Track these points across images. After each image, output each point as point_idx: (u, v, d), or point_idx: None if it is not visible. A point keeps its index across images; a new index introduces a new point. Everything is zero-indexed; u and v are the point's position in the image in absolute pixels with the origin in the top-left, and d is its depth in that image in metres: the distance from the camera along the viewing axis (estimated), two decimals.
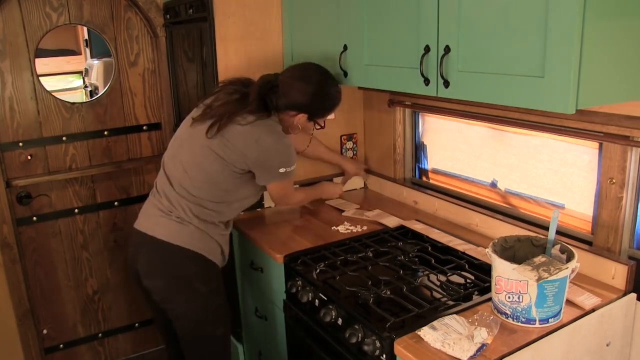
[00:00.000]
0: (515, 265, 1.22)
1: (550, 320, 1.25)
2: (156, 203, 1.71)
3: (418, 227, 1.91)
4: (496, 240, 1.35)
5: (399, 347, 1.23)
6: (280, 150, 1.66)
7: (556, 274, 1.20)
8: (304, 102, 1.68)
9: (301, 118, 1.71)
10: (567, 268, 1.22)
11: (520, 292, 1.23)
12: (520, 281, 1.22)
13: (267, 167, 1.67)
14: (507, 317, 1.28)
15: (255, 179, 1.70)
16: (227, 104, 1.66)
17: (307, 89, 1.67)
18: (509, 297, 1.25)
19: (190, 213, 1.66)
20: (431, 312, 1.34)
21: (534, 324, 1.25)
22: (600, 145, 1.47)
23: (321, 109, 1.74)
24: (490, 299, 1.35)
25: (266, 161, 1.65)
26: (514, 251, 1.38)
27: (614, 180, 1.42)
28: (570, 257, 1.26)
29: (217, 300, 1.76)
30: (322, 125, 1.81)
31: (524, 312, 1.24)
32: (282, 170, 1.67)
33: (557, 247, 1.31)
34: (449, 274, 1.57)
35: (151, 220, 1.69)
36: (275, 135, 1.65)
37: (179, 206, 1.66)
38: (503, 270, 1.24)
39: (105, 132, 2.56)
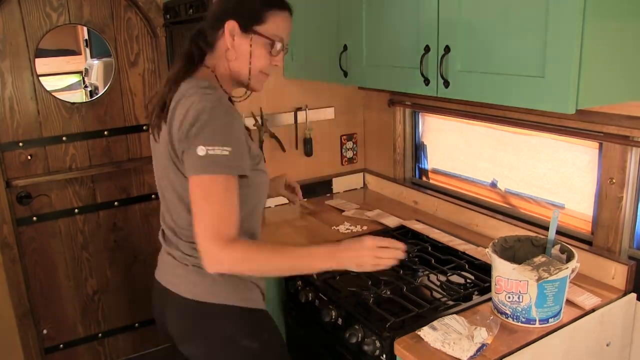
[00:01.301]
0: (515, 265, 1.22)
1: (550, 320, 1.25)
2: (166, 247, 1.34)
3: (418, 227, 1.91)
4: (496, 240, 1.35)
5: (399, 347, 1.23)
6: (198, 110, 1.11)
7: (556, 274, 1.20)
8: (220, 4, 1.26)
9: (232, 31, 1.22)
10: (567, 268, 1.22)
11: (520, 292, 1.23)
12: (520, 281, 1.22)
13: (185, 143, 1.13)
14: (507, 317, 1.28)
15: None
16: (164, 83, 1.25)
17: None
18: (509, 297, 1.25)
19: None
20: (431, 312, 1.34)
21: (534, 324, 1.25)
22: (600, 145, 1.47)
23: (245, 2, 1.24)
24: (490, 299, 1.35)
25: (181, 135, 1.13)
26: (514, 251, 1.38)
27: (614, 180, 1.42)
28: (570, 257, 1.26)
29: (274, 351, 1.35)
30: (280, 46, 1.27)
31: (524, 312, 1.24)
32: (201, 151, 1.09)
33: (557, 247, 1.31)
34: (449, 274, 1.57)
35: (168, 271, 1.33)
36: (193, 89, 1.17)
37: (188, 249, 1.26)
38: (503, 270, 1.24)
39: (105, 132, 2.56)
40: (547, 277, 1.18)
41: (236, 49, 1.24)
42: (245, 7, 1.23)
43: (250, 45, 1.24)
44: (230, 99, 1.30)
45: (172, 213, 1.28)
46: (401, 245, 1.21)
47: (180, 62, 1.26)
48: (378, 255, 1.18)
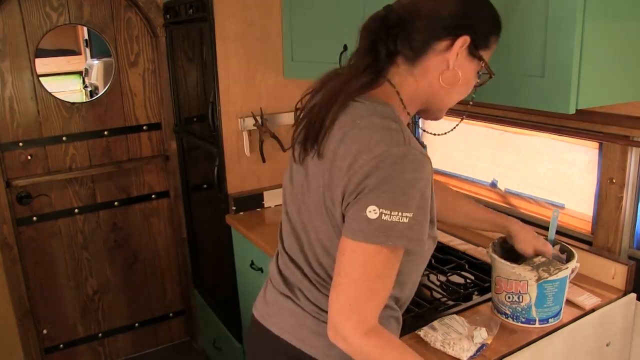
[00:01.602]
0: (515, 266, 1.22)
1: (550, 320, 1.25)
2: (282, 288, 1.09)
3: None
4: (496, 240, 1.35)
5: None
6: (378, 157, 0.84)
7: (556, 274, 1.19)
8: (456, 9, 0.94)
9: (461, 49, 0.94)
10: (567, 268, 1.22)
11: (520, 292, 1.23)
12: (520, 281, 1.22)
13: (355, 195, 0.87)
14: (507, 317, 1.28)
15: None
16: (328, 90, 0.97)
17: None
18: (509, 297, 1.25)
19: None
20: (431, 312, 1.34)
21: (534, 324, 1.25)
22: (600, 145, 1.47)
23: (489, 20, 0.99)
24: (490, 299, 1.35)
25: (348, 184, 0.88)
26: (514, 251, 1.37)
27: (614, 180, 1.42)
28: (570, 257, 1.26)
29: None
30: (489, 70, 1.00)
31: (523, 312, 1.24)
32: (373, 213, 0.84)
33: (557, 247, 1.31)
34: (449, 274, 1.57)
35: (284, 317, 1.07)
36: (369, 119, 0.89)
37: (325, 303, 1.00)
38: (503, 271, 1.24)
39: (105, 132, 2.56)
40: (547, 277, 1.18)
41: (460, 71, 0.95)
42: (484, 24, 0.97)
43: (479, 73, 0.99)
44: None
45: (312, 255, 1.02)
46: None
47: (359, 68, 0.95)
48: None
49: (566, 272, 1.22)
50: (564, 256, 1.29)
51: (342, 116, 0.92)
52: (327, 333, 0.91)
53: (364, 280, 0.87)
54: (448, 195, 1.38)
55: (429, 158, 0.88)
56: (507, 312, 1.27)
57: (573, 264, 1.24)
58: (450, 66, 0.94)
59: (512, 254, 1.36)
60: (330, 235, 0.96)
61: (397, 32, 0.93)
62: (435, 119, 1.07)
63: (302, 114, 1.02)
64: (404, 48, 0.94)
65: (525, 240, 1.27)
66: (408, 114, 0.99)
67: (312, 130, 0.95)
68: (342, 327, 0.87)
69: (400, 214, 0.84)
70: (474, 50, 0.95)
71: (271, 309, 1.11)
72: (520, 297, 1.23)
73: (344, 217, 0.91)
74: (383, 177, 0.83)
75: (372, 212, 0.84)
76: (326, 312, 0.94)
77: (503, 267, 1.24)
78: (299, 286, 1.06)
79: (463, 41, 0.93)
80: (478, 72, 0.99)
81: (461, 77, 0.95)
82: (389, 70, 0.97)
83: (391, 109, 0.93)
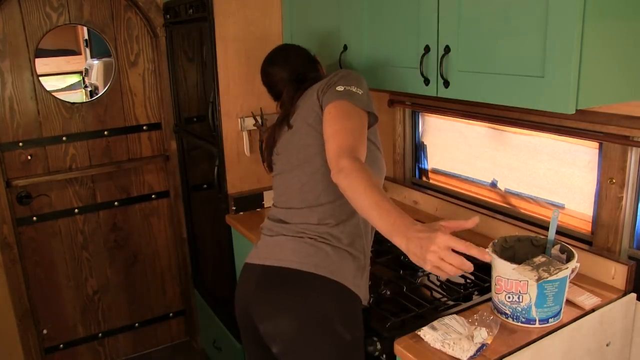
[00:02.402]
0: (515, 266, 1.22)
1: (550, 320, 1.25)
2: (276, 230, 1.37)
3: None
4: (496, 241, 1.35)
5: (399, 347, 1.23)
6: (343, 73, 1.37)
7: (556, 274, 1.19)
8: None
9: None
10: (567, 268, 1.22)
11: (520, 292, 1.23)
12: (520, 281, 1.22)
13: (327, 89, 1.34)
14: (507, 317, 1.28)
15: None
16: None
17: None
18: (509, 297, 1.25)
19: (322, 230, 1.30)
20: (431, 312, 1.34)
21: (534, 324, 1.25)
22: (600, 145, 1.47)
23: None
24: (490, 299, 1.35)
25: (326, 83, 1.36)
26: (514, 251, 1.37)
27: (614, 180, 1.42)
28: (570, 257, 1.26)
29: (358, 352, 1.27)
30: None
31: (523, 312, 1.24)
32: (340, 87, 1.30)
33: (557, 247, 1.31)
34: None
35: (272, 250, 1.33)
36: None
37: (310, 218, 1.32)
38: (503, 271, 1.24)
39: (105, 132, 2.56)
40: (547, 277, 1.18)
41: None
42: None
43: None
44: None
45: (304, 187, 1.34)
46: (476, 254, 0.96)
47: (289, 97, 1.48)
48: (443, 257, 0.94)
49: (566, 272, 1.22)
50: (563, 256, 1.29)
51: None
52: (331, 176, 1.14)
53: (349, 123, 1.22)
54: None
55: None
56: (507, 312, 1.27)
57: (573, 264, 1.24)
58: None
59: (512, 254, 1.36)
60: (316, 138, 1.33)
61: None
62: None
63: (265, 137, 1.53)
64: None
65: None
66: None
67: (279, 124, 1.46)
68: (343, 160, 1.12)
69: (356, 88, 1.31)
70: None
71: (259, 249, 1.37)
72: (520, 297, 1.23)
73: (322, 112, 1.31)
74: (342, 76, 1.35)
75: (339, 87, 1.30)
76: (308, 222, 1.30)
77: (503, 267, 1.24)
78: (287, 218, 1.36)
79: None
80: None
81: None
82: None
83: None
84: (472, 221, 1.00)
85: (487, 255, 0.96)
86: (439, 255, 0.94)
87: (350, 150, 1.15)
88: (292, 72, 1.52)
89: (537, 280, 1.18)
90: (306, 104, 1.39)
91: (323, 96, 1.32)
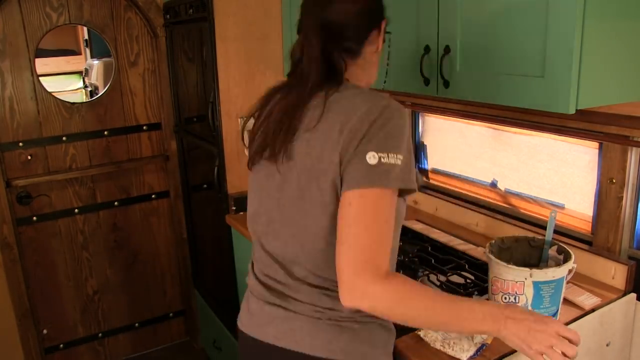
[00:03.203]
0: (511, 266, 1.22)
1: None
2: (269, 298, 1.08)
3: (418, 227, 1.91)
4: (493, 241, 1.35)
5: (399, 347, 1.22)
6: (383, 120, 0.93)
7: (552, 276, 1.19)
8: (372, 4, 1.09)
9: (383, 30, 1.11)
10: (563, 269, 1.22)
11: (516, 292, 1.23)
12: (516, 282, 1.21)
13: (353, 150, 0.93)
14: None
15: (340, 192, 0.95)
16: (279, 108, 1.05)
17: None
18: (505, 298, 1.25)
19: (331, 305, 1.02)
20: None
21: None
22: (600, 145, 1.47)
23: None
24: (488, 300, 1.35)
25: (352, 138, 0.93)
26: (511, 252, 1.37)
27: (614, 180, 1.42)
28: (567, 258, 1.26)
29: None
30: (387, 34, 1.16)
31: None
32: (373, 158, 0.91)
33: (555, 247, 1.31)
34: (449, 274, 1.57)
35: (276, 325, 1.06)
36: (368, 95, 0.99)
37: (321, 299, 1.03)
38: (499, 271, 1.24)
39: (105, 132, 2.56)
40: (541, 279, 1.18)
41: (379, 47, 1.12)
42: (382, 3, 1.13)
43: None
44: None
45: (300, 252, 1.03)
46: (577, 341, 0.93)
47: (315, 78, 1.03)
48: (554, 345, 0.90)
49: (563, 272, 1.22)
50: (560, 257, 1.29)
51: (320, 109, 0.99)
52: (341, 300, 0.90)
53: (374, 225, 0.90)
54: None
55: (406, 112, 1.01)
56: None
57: (570, 264, 1.23)
58: (379, 48, 1.11)
59: (509, 254, 1.36)
60: (319, 219, 0.99)
61: (340, 42, 1.05)
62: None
63: (256, 127, 1.11)
64: (347, 55, 1.07)
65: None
66: None
67: (274, 137, 1.02)
68: (360, 280, 0.88)
69: (395, 155, 0.92)
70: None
71: (260, 320, 1.10)
72: (517, 298, 1.23)
73: (340, 186, 0.95)
74: (375, 125, 0.93)
75: (372, 157, 0.91)
76: (322, 307, 1.01)
77: (499, 268, 1.24)
78: (286, 291, 1.06)
79: (385, 24, 1.11)
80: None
81: (379, 50, 1.12)
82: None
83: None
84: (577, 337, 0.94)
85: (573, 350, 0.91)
86: (550, 343, 0.90)
87: (372, 264, 0.88)
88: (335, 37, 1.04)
89: (531, 275, 1.18)
90: (322, 150, 0.96)
91: (346, 164, 0.93)
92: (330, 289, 1.02)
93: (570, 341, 0.92)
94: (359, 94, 0.99)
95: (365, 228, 0.89)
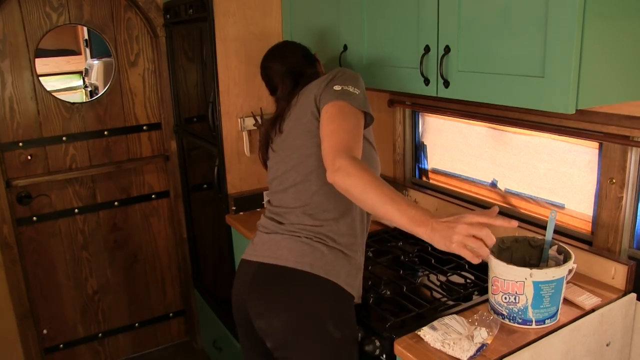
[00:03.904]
0: (511, 266, 1.22)
1: (546, 321, 1.25)
2: (273, 228, 1.39)
3: None
4: None
5: (399, 347, 1.23)
6: (340, 72, 1.37)
7: (552, 276, 1.19)
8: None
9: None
10: (563, 269, 1.22)
11: (516, 292, 1.23)
12: (516, 282, 1.21)
13: (324, 88, 1.34)
14: (503, 318, 1.27)
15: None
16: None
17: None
18: (505, 298, 1.25)
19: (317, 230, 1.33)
20: (431, 312, 1.34)
21: (530, 325, 1.24)
22: (600, 145, 1.47)
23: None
24: None
25: (323, 83, 1.35)
26: (511, 252, 1.37)
27: (614, 180, 1.42)
28: (567, 258, 1.26)
29: (348, 350, 1.29)
30: None
31: (520, 313, 1.24)
32: (337, 87, 1.30)
33: (555, 247, 1.31)
34: (449, 274, 1.57)
35: (269, 247, 1.35)
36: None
37: (305, 219, 1.34)
38: (499, 271, 1.24)
39: (105, 132, 2.56)
40: (541, 279, 1.18)
41: None
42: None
43: None
44: None
45: (298, 186, 1.36)
46: (502, 224, 1.04)
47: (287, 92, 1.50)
48: (474, 233, 1.00)
49: (563, 272, 1.22)
50: (560, 257, 1.29)
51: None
52: (327, 178, 1.14)
53: (345, 123, 1.22)
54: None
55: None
56: (504, 312, 1.27)
57: (570, 264, 1.24)
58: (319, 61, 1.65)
59: (509, 254, 1.36)
60: (309, 146, 1.34)
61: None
62: None
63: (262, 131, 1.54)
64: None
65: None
66: None
67: (273, 123, 1.47)
68: (337, 159, 1.13)
69: (353, 87, 1.30)
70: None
71: (256, 246, 1.40)
72: (517, 298, 1.23)
73: (318, 112, 1.32)
74: (337, 76, 1.34)
75: (337, 86, 1.30)
76: (304, 224, 1.32)
77: (499, 268, 1.24)
78: (282, 217, 1.38)
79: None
80: None
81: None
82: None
83: None
84: (493, 211, 1.05)
85: (513, 221, 1.03)
86: (467, 233, 1.00)
87: (346, 149, 1.15)
88: (289, 66, 1.52)
89: (530, 275, 1.18)
90: (302, 103, 1.39)
91: (320, 95, 1.32)
92: (314, 214, 1.33)
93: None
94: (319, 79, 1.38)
95: (339, 125, 1.21)
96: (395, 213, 1.06)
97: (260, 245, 1.38)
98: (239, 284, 1.39)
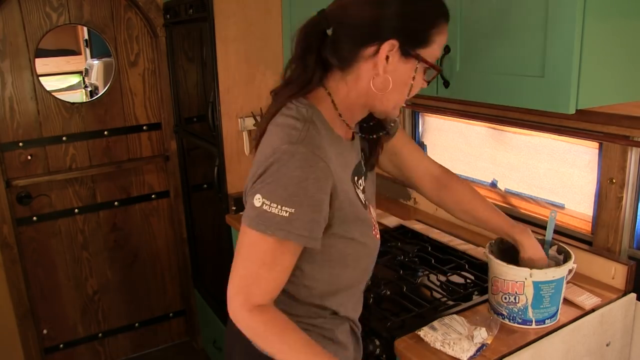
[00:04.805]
0: (511, 266, 1.22)
1: (546, 321, 1.25)
2: None
3: (418, 227, 1.91)
4: (493, 241, 1.35)
5: (399, 347, 1.23)
6: (268, 155, 0.90)
7: (552, 275, 1.19)
8: (378, 14, 0.92)
9: (390, 53, 0.92)
10: (563, 269, 1.22)
11: (516, 292, 1.23)
12: (516, 282, 1.21)
13: (250, 186, 0.95)
14: (503, 318, 1.27)
15: None
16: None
17: None
18: (505, 298, 1.25)
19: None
20: (431, 312, 1.34)
21: (530, 325, 1.24)
22: (600, 145, 1.47)
23: (419, 17, 0.94)
24: None
25: (253, 175, 0.94)
26: (512, 252, 1.37)
27: (614, 180, 1.42)
28: (567, 258, 1.26)
29: None
30: (438, 68, 1.00)
31: (520, 313, 1.24)
32: (257, 201, 0.90)
33: (555, 247, 1.31)
34: (449, 274, 1.57)
35: None
36: (282, 134, 0.92)
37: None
38: (499, 271, 1.24)
39: (105, 132, 2.56)
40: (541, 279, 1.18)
41: (391, 75, 0.94)
42: (414, 22, 0.93)
43: (415, 72, 0.96)
44: (353, 134, 1.07)
45: None
46: None
47: (292, 76, 1.00)
48: None
49: (563, 272, 1.22)
50: (561, 257, 1.29)
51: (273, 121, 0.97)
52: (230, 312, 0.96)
53: (249, 263, 0.93)
54: (465, 194, 1.36)
55: (323, 160, 0.90)
56: (504, 312, 1.27)
57: (570, 265, 1.24)
58: (380, 72, 0.93)
59: (509, 255, 1.36)
60: None
61: (327, 41, 0.96)
62: (386, 118, 1.08)
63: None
64: (332, 58, 0.96)
65: (531, 251, 1.24)
66: (340, 115, 1.00)
67: (255, 138, 1.02)
68: (232, 302, 0.95)
69: (279, 207, 0.88)
70: (407, 51, 0.93)
71: None
72: (517, 298, 1.23)
73: None
74: (271, 170, 0.89)
75: (257, 200, 0.89)
76: (281, 308, 1.01)
77: (499, 268, 1.24)
78: None
79: (390, 45, 0.91)
80: (425, 69, 0.98)
81: (392, 81, 0.94)
82: (325, 75, 0.99)
83: (311, 110, 0.95)
84: None
85: None
86: None
87: (246, 296, 0.93)
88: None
89: (531, 275, 1.18)
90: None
91: (245, 196, 0.98)
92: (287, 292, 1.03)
93: None
94: (282, 127, 0.93)
95: (241, 261, 0.94)
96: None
97: None
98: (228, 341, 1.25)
